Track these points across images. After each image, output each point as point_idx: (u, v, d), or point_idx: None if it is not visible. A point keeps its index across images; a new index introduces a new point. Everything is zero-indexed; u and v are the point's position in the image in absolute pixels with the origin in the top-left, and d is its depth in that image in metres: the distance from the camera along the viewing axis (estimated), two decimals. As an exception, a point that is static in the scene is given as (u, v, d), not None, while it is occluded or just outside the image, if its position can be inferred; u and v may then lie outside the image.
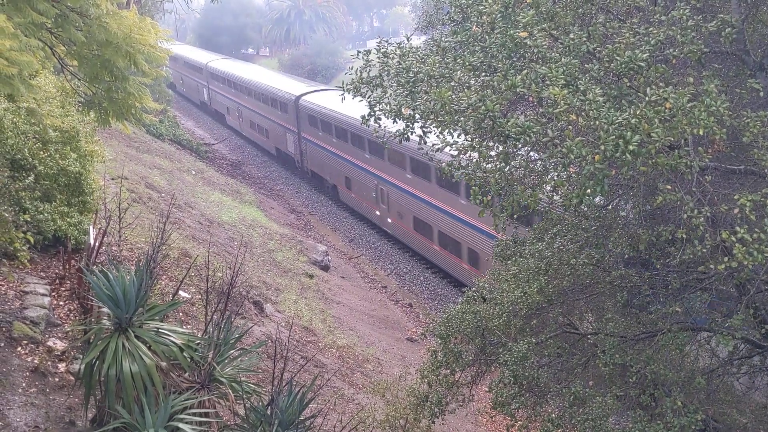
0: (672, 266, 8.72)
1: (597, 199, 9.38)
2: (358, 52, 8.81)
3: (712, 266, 7.04)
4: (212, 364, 7.39)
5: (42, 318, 8.65)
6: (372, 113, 8.44)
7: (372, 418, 11.42)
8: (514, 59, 7.37)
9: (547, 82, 6.55)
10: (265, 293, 17.36)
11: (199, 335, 8.15)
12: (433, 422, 10.80)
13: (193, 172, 31.19)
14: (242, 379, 7.75)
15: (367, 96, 8.64)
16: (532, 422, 9.90)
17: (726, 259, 6.50)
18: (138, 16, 9.74)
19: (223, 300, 8.11)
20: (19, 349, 8.01)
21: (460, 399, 10.95)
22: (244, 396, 7.60)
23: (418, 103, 7.80)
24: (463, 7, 8.75)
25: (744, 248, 6.24)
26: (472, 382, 11.21)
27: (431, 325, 12.17)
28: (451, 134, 7.51)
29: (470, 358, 10.85)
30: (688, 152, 6.56)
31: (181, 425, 6.61)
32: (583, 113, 6.19)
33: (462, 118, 7.10)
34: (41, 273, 9.98)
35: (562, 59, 6.70)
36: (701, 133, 6.10)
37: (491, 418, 15.85)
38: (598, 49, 6.98)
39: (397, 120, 8.19)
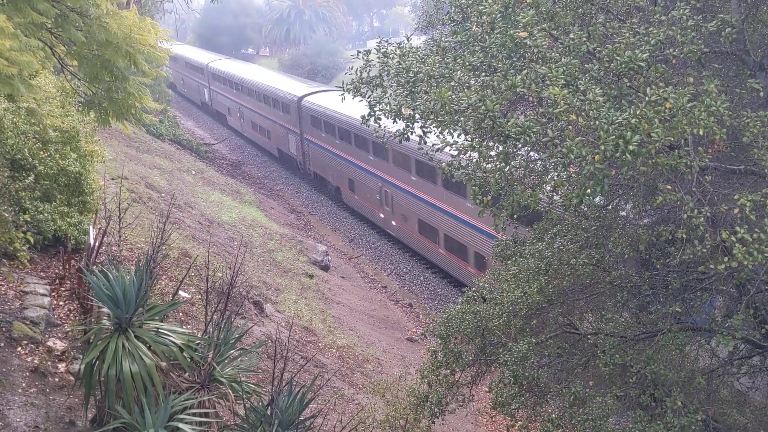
0: (672, 266, 8.72)
1: (597, 199, 9.38)
2: (358, 52, 8.81)
3: (712, 266, 7.04)
4: (212, 364, 7.39)
5: (42, 318, 8.65)
6: (372, 113, 8.45)
7: (372, 418, 11.41)
8: (514, 59, 7.37)
9: (547, 82, 6.55)
10: (265, 293, 17.37)
11: (199, 335, 8.15)
12: (433, 422, 10.80)
13: (193, 172, 31.19)
14: (242, 379, 7.75)
15: (367, 96, 8.64)
16: (532, 422, 9.90)
17: (726, 259, 6.50)
18: (138, 16, 9.74)
19: (223, 300, 8.11)
20: (19, 349, 8.01)
21: (460, 399, 10.95)
22: (244, 396, 7.60)
23: (418, 103, 7.80)
24: (463, 7, 8.75)
25: (744, 248, 6.24)
26: (472, 382, 11.21)
27: (431, 325, 12.17)
28: (451, 134, 7.51)
29: (470, 358, 10.84)
30: (688, 152, 6.56)
31: (181, 425, 6.61)
32: (583, 113, 6.19)
33: (462, 118, 7.09)
34: (41, 273, 9.98)
35: (562, 59, 6.70)
36: (701, 133, 6.10)
37: (491, 418, 15.86)
38: (598, 49, 6.98)
39: (397, 120, 8.19)
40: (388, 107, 8.25)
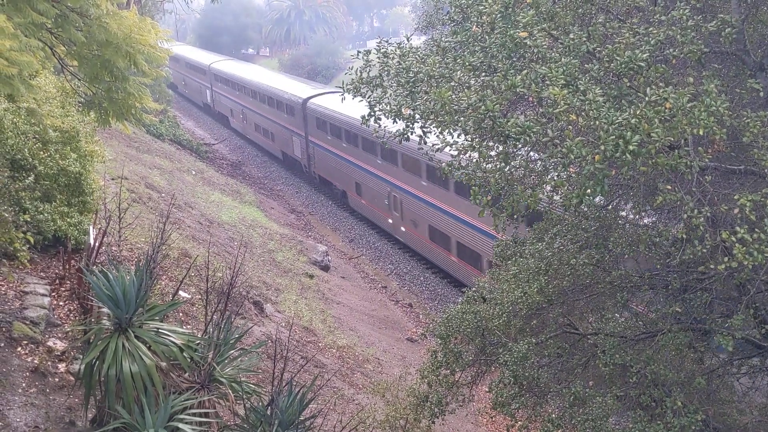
0: (672, 266, 8.72)
1: (597, 199, 9.38)
2: (358, 52, 8.81)
3: (712, 266, 7.04)
4: (212, 364, 7.39)
5: (42, 318, 8.65)
6: (372, 113, 8.45)
7: (372, 418, 11.41)
8: (514, 59, 7.36)
9: (547, 82, 6.55)
10: (265, 293, 17.37)
11: (199, 335, 8.15)
12: (433, 422, 10.79)
13: (193, 172, 31.20)
14: (242, 379, 7.75)
15: (367, 96, 8.64)
16: (532, 422, 9.90)
17: (726, 259, 6.50)
18: (138, 16, 9.74)
19: (223, 300, 8.11)
20: (19, 349, 8.01)
21: (460, 399, 10.95)
22: (244, 396, 7.60)
23: (418, 103, 7.80)
24: (463, 7, 8.75)
25: (744, 248, 6.24)
26: (472, 383, 11.21)
27: (431, 326, 12.17)
28: (451, 134, 7.50)
29: (470, 358, 10.84)
30: (688, 152, 6.56)
31: (181, 425, 6.61)
32: (583, 113, 6.19)
33: (462, 118, 7.09)
34: (41, 273, 9.98)
35: (562, 59, 6.70)
36: (701, 133, 6.10)
37: (491, 418, 15.85)
38: (598, 49, 6.98)
39: (397, 120, 8.19)
40: (388, 107, 8.24)
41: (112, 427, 6.60)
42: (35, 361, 7.90)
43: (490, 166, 7.75)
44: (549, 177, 8.10)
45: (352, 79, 8.70)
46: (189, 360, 7.29)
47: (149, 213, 17.27)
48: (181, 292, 12.20)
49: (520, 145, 6.84)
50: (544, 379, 9.58)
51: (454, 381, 10.80)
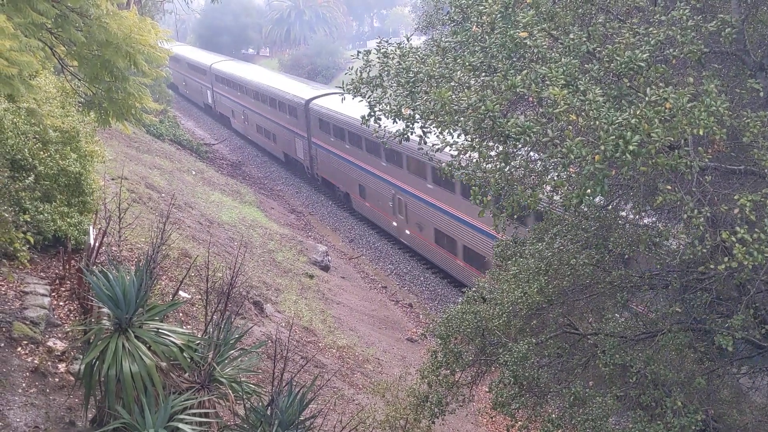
0: (672, 266, 8.72)
1: (597, 200, 9.38)
2: (358, 52, 8.81)
3: (712, 266, 7.04)
4: (212, 364, 7.39)
5: (42, 318, 8.65)
6: (372, 113, 8.45)
7: (372, 418, 11.42)
8: (514, 59, 7.36)
9: (547, 82, 6.55)
10: (265, 293, 17.37)
11: (199, 335, 8.15)
12: (433, 422, 10.79)
13: (194, 173, 31.19)
14: (242, 379, 7.75)
15: (367, 96, 8.64)
16: (532, 422, 9.90)
17: (726, 259, 6.50)
18: (138, 16, 9.75)
19: (223, 300, 8.11)
20: (19, 349, 8.01)
21: (460, 399, 10.95)
22: (244, 396, 7.60)
23: (418, 103, 7.79)
24: (463, 7, 8.75)
25: (744, 248, 6.24)
26: (472, 383, 11.20)
27: (431, 326, 12.17)
28: (451, 134, 7.50)
29: (470, 358, 10.84)
30: (688, 152, 6.56)
31: (181, 425, 6.61)
32: (583, 113, 6.19)
33: (462, 118, 7.09)
34: (41, 273, 9.98)
35: (562, 59, 6.70)
36: (701, 133, 6.10)
37: (491, 418, 15.85)
38: (598, 49, 6.98)
39: (397, 120, 8.19)
40: (388, 107, 8.24)
41: (112, 427, 6.60)
42: (35, 361, 7.90)
43: (490, 166, 7.75)
44: (549, 177, 8.11)
45: (352, 79, 8.70)
46: (189, 360, 7.29)
47: (149, 213, 17.27)
48: (181, 292, 12.20)
49: (520, 145, 6.84)
50: (544, 379, 9.58)
51: (454, 381, 10.80)
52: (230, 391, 7.34)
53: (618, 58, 6.50)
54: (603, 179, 6.15)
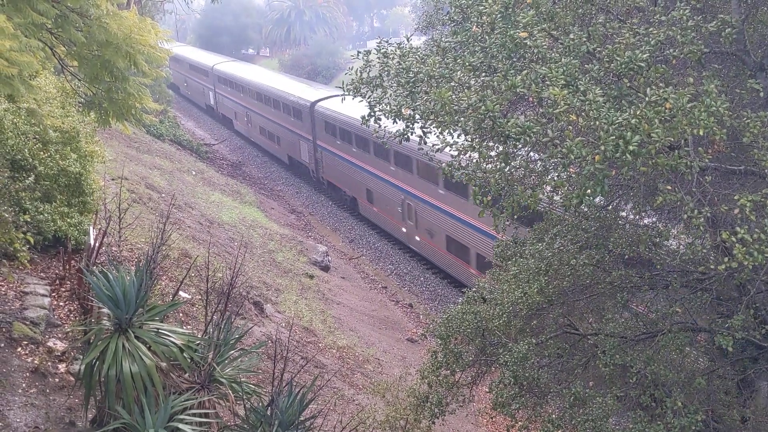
0: (672, 266, 8.72)
1: (597, 200, 9.38)
2: (358, 52, 8.81)
3: (712, 266, 7.04)
4: (212, 364, 7.39)
5: (42, 318, 8.65)
6: (372, 113, 8.45)
7: (372, 418, 11.42)
8: (514, 59, 7.37)
9: (547, 83, 6.55)
10: (265, 294, 17.37)
11: (199, 336, 8.15)
12: (434, 423, 10.79)
13: (194, 173, 31.20)
14: (242, 379, 7.75)
15: (367, 96, 8.64)
16: (532, 423, 9.89)
17: (726, 259, 6.50)
18: (138, 16, 9.75)
19: (223, 300, 8.11)
20: (19, 349, 8.01)
21: (461, 399, 10.95)
22: (244, 396, 7.60)
23: (418, 103, 7.80)
24: (463, 7, 8.75)
25: (744, 248, 6.24)
26: (473, 383, 11.20)
27: (431, 326, 12.16)
28: (451, 134, 7.50)
29: (470, 358, 10.84)
30: (688, 152, 6.56)
31: (181, 426, 6.61)
32: (583, 113, 6.19)
33: (462, 119, 7.09)
34: (41, 273, 9.98)
35: (562, 59, 6.70)
36: (701, 133, 6.10)
37: (491, 418, 15.85)
38: (598, 49, 6.98)
39: (397, 120, 8.19)
40: (388, 108, 8.24)
41: (112, 427, 6.60)
42: (35, 362, 7.90)
43: (490, 166, 7.75)
44: (549, 177, 8.11)
45: (352, 80, 8.70)
46: (189, 360, 7.29)
47: (149, 213, 17.28)
48: (181, 293, 12.20)
49: (520, 146, 6.85)
50: (544, 380, 9.58)
51: (454, 381, 10.79)
52: (230, 392, 7.34)
53: (618, 59, 6.50)
54: (603, 179, 6.15)
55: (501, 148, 7.30)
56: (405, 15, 79.87)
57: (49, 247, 10.64)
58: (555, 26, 7.41)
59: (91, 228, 10.23)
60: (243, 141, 46.78)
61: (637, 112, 6.02)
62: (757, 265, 6.38)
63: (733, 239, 6.35)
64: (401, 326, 21.20)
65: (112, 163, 19.30)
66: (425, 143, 8.27)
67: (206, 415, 7.09)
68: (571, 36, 7.06)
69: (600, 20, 7.51)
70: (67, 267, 9.99)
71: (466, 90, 7.22)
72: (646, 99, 6.13)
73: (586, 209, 9.56)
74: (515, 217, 8.43)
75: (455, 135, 7.52)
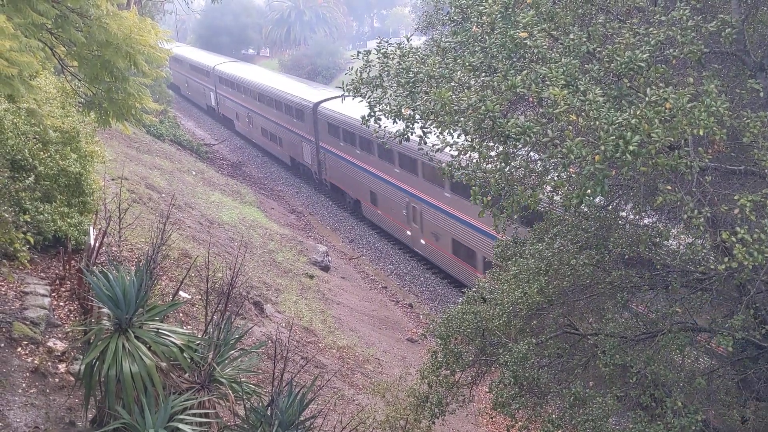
0: (672, 266, 8.72)
1: (597, 200, 9.38)
2: (358, 52, 8.82)
3: (712, 266, 7.04)
4: (212, 364, 7.39)
5: (42, 318, 8.65)
6: (372, 114, 8.45)
7: (372, 418, 11.42)
8: (514, 59, 7.37)
9: (547, 83, 6.55)
10: (265, 294, 17.37)
11: (199, 336, 8.14)
12: (434, 423, 10.79)
13: (194, 173, 31.20)
14: (242, 379, 7.75)
15: (367, 96, 8.64)
16: (532, 423, 9.90)
17: (726, 259, 6.50)
18: (138, 16, 9.74)
19: (223, 300, 8.11)
20: (19, 349, 8.01)
21: (461, 399, 10.95)
22: (244, 396, 7.60)
23: (418, 103, 7.80)
24: (463, 7, 8.76)
25: (744, 248, 6.24)
26: (473, 383, 11.20)
27: (431, 326, 12.16)
28: (451, 135, 7.50)
29: (470, 358, 10.84)
30: (688, 152, 6.56)
31: (181, 426, 6.61)
32: (583, 113, 6.19)
33: (462, 119, 7.10)
34: (41, 273, 9.98)
35: (562, 59, 6.70)
36: (701, 133, 6.10)
37: (491, 418, 15.85)
38: (598, 49, 6.99)
39: (397, 120, 8.19)
40: (388, 108, 8.25)
41: (112, 427, 6.60)
42: (35, 362, 7.90)
43: (490, 166, 7.75)
44: (549, 177, 8.11)
45: (352, 80, 8.70)
46: (189, 360, 7.29)
47: (149, 213, 17.28)
48: (181, 293, 12.20)
49: (520, 146, 6.85)
50: (544, 380, 9.58)
51: (454, 381, 10.80)
52: (230, 392, 7.34)
53: (618, 59, 6.50)
54: (603, 179, 6.16)
55: (501, 148, 7.30)
56: (405, 15, 79.88)
57: (49, 247, 10.64)
58: (555, 26, 7.42)
59: (91, 228, 10.23)
60: (243, 141, 46.75)
61: (637, 112, 6.02)
62: (757, 265, 6.38)
63: (733, 239, 6.36)
64: (401, 326, 21.20)
65: (112, 163, 19.30)
66: (425, 143, 8.27)
67: (206, 415, 7.09)
68: (571, 36, 7.06)
69: (600, 20, 7.52)
70: (67, 267, 9.99)
71: (466, 90, 7.22)
72: (646, 99, 6.13)
73: (586, 209, 9.56)
74: (515, 217, 8.43)
75: (455, 135, 7.52)
